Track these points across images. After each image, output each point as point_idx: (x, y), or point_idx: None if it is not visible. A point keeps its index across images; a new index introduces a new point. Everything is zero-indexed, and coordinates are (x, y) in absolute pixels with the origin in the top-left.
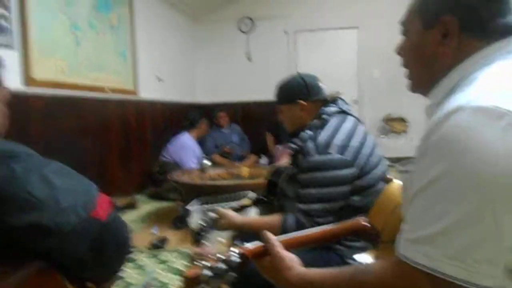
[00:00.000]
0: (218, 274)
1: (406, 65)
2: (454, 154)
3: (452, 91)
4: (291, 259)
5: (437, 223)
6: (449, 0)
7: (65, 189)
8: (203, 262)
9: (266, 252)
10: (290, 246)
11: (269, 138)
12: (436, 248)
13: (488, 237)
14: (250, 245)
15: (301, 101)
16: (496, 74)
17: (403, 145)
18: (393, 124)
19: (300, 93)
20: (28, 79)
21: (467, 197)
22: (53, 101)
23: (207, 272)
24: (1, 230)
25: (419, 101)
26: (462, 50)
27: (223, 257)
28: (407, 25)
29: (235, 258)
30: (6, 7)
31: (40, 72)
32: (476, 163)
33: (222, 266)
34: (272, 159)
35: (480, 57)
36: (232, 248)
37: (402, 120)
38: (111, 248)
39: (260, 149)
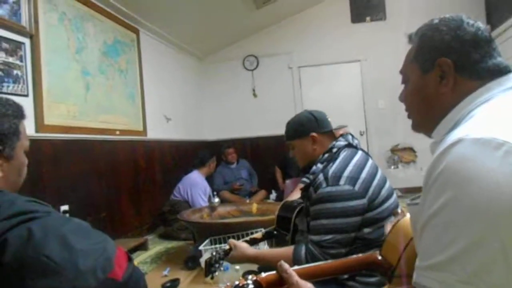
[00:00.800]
0: None
1: (409, 109)
2: (456, 184)
3: (452, 128)
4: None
5: (447, 250)
6: (443, 45)
7: (83, 251)
8: None
9: (281, 281)
10: (303, 277)
11: (278, 173)
12: (449, 273)
13: (497, 261)
14: (264, 274)
15: (313, 134)
16: (493, 109)
17: (413, 175)
18: (402, 154)
19: (311, 126)
20: (40, 125)
21: (472, 224)
22: (63, 145)
23: None
24: None
25: None
26: (459, 90)
27: (239, 284)
28: (406, 73)
29: (250, 285)
30: (20, 57)
31: (52, 117)
32: (478, 191)
33: None
34: (281, 194)
35: (476, 96)
36: (247, 276)
37: (410, 150)
38: None
39: (269, 184)
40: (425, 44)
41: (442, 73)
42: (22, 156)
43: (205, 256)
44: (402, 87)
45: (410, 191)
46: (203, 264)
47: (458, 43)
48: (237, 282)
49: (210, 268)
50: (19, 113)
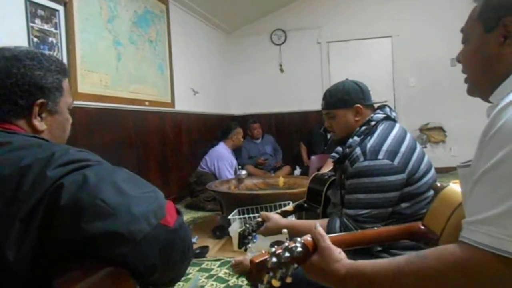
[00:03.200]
0: (283, 262)
1: (466, 71)
2: None
3: None
4: (340, 253)
5: (501, 205)
6: (510, 3)
7: (136, 197)
8: (272, 249)
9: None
10: (343, 243)
11: (303, 149)
12: (499, 228)
13: None
14: (310, 238)
15: (358, 105)
16: None
17: (442, 155)
18: (431, 134)
19: (357, 97)
20: (74, 93)
21: None
22: (96, 113)
23: (274, 259)
24: (76, 238)
25: (456, 110)
26: None
27: (288, 246)
28: (467, 32)
29: (299, 248)
30: (54, 25)
31: (85, 85)
32: None
33: (287, 254)
34: (305, 169)
35: None
36: (296, 238)
37: (440, 129)
38: (178, 254)
39: (293, 159)
40: (491, 2)
41: (507, 32)
42: (65, 112)
43: (234, 225)
44: (435, 65)
45: (438, 172)
46: (231, 233)
47: None
48: (286, 243)
49: (244, 240)
50: (62, 70)
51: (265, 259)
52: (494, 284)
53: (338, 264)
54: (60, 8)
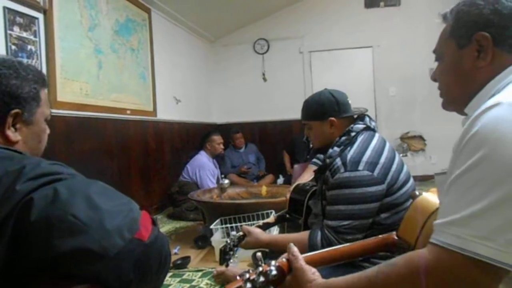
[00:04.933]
0: (258, 287)
1: (443, 87)
2: (490, 143)
3: (488, 98)
4: (313, 273)
5: (471, 206)
6: (481, 19)
7: (109, 211)
8: (245, 275)
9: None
10: (319, 262)
11: (286, 157)
12: (468, 229)
13: None
14: (285, 260)
15: (332, 118)
16: None
17: (422, 164)
18: (411, 142)
19: (332, 110)
20: (53, 101)
21: (503, 181)
22: (76, 122)
23: (248, 285)
24: (47, 255)
25: (436, 119)
26: (497, 64)
27: (263, 270)
28: (440, 50)
29: (273, 271)
30: (34, 32)
31: (65, 94)
32: None
33: (262, 279)
34: (289, 178)
35: None
36: (269, 262)
37: (420, 138)
38: (154, 268)
39: (276, 168)
40: (462, 19)
41: (480, 47)
42: (42, 123)
43: (216, 235)
44: (415, 75)
45: (418, 180)
46: (214, 243)
47: (497, 17)
48: (260, 269)
49: (225, 256)
50: (40, 80)
51: (240, 286)
52: (462, 285)
53: (310, 285)
54: (40, 15)
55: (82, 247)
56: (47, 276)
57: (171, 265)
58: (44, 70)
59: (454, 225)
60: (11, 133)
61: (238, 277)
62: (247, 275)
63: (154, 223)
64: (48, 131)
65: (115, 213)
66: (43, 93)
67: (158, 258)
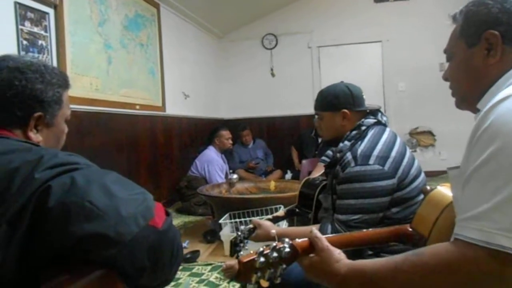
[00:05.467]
0: (271, 262)
1: (454, 86)
2: (505, 135)
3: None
4: (339, 253)
5: (491, 200)
6: (490, 17)
7: (125, 199)
8: (259, 249)
9: (313, 250)
10: (334, 244)
11: (294, 153)
12: (490, 222)
13: None
14: (299, 240)
15: (345, 111)
16: None
17: (431, 159)
18: (421, 138)
19: (346, 102)
20: None
21: None
22: (86, 117)
23: (261, 259)
24: (64, 240)
25: (445, 115)
26: (506, 61)
27: (276, 247)
28: (451, 50)
29: (287, 248)
30: (44, 27)
31: (75, 89)
32: None
33: (275, 254)
34: (297, 173)
35: None
36: (284, 239)
37: (429, 133)
38: (167, 255)
39: (284, 164)
40: (471, 19)
41: (489, 45)
42: (62, 124)
43: (225, 230)
44: (424, 70)
45: (428, 175)
46: (223, 238)
47: (505, 15)
48: (274, 244)
49: (235, 247)
50: (63, 83)
51: (253, 259)
52: (488, 278)
53: (338, 264)
54: (50, 11)
55: (98, 232)
56: (65, 261)
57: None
58: (54, 65)
59: (476, 219)
60: (33, 135)
61: (242, 253)
62: (261, 249)
63: (167, 214)
64: (66, 130)
65: (130, 201)
66: (65, 95)
67: (171, 246)
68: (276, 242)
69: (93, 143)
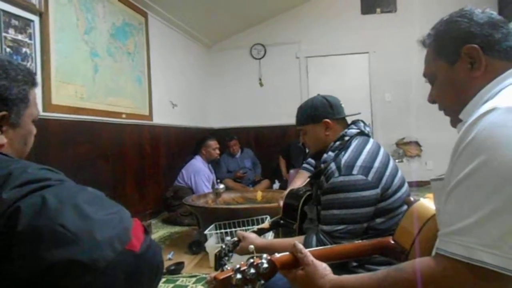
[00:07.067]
0: (248, 278)
1: (444, 105)
2: (488, 149)
3: (482, 105)
4: (325, 268)
5: (474, 214)
6: (463, 33)
7: (100, 220)
8: (236, 266)
9: (294, 262)
10: (317, 258)
11: (282, 163)
12: (472, 238)
13: None
14: (278, 255)
15: (327, 120)
16: None
17: (418, 169)
18: (407, 148)
19: (325, 112)
20: (48, 105)
21: (502, 188)
22: (71, 126)
23: (238, 276)
24: (34, 267)
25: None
26: (491, 71)
27: (254, 263)
28: (431, 72)
29: (265, 264)
30: (29, 35)
31: (60, 97)
32: (510, 157)
33: (252, 270)
34: (285, 183)
35: (506, 76)
36: (262, 255)
37: (416, 143)
38: (146, 279)
39: (272, 173)
40: (444, 38)
41: (471, 59)
42: (29, 124)
43: (210, 240)
44: (410, 81)
45: (414, 185)
46: (208, 249)
47: (477, 27)
48: (252, 260)
49: (220, 261)
50: (30, 80)
51: (230, 276)
52: None
53: (323, 280)
54: (36, 18)
55: (71, 259)
56: None
57: (164, 270)
58: (38, 73)
59: (458, 234)
60: None
61: (228, 267)
62: (238, 266)
63: (146, 231)
64: (34, 131)
65: (106, 223)
66: (32, 93)
67: (150, 268)
68: (254, 258)
69: (77, 152)
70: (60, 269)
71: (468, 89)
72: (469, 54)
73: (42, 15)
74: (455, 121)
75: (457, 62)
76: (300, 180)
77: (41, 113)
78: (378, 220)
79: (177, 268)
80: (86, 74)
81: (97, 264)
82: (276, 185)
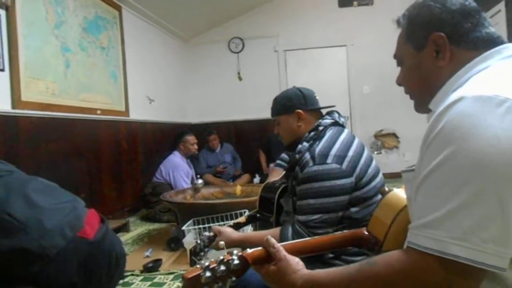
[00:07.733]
0: (218, 276)
1: (409, 90)
2: (457, 139)
3: (451, 93)
4: (297, 263)
5: (443, 207)
6: (433, 19)
7: (49, 209)
8: (205, 263)
9: (267, 257)
10: (290, 253)
11: (262, 156)
12: (442, 231)
13: (494, 217)
14: (250, 250)
15: (299, 111)
16: (492, 73)
17: (396, 161)
18: (385, 140)
19: (298, 103)
20: (17, 101)
21: (471, 179)
22: (42, 123)
23: (207, 274)
24: None
25: (409, 117)
26: (456, 61)
27: (224, 259)
28: (400, 55)
29: (235, 260)
30: None
31: (30, 93)
32: (479, 147)
33: (223, 268)
34: (265, 177)
35: (473, 65)
36: (233, 251)
37: (393, 135)
38: (103, 268)
39: (253, 167)
40: (414, 22)
41: (437, 47)
42: None
43: (188, 236)
44: (388, 73)
45: (392, 177)
46: (186, 245)
47: (448, 15)
48: (222, 257)
49: (195, 256)
50: None
51: (198, 274)
52: None
53: (295, 276)
54: (2, 12)
55: (19, 247)
56: None
57: (141, 268)
58: (6, 69)
59: (428, 227)
60: None
61: (197, 266)
62: (207, 263)
63: (103, 221)
64: None
65: (56, 211)
66: None
67: (107, 258)
68: (225, 254)
69: (49, 149)
70: (9, 258)
71: (434, 78)
72: (436, 42)
73: (9, 9)
74: (418, 106)
75: (424, 49)
76: (273, 177)
77: (10, 110)
78: (353, 209)
79: (155, 266)
80: (57, 70)
81: (47, 251)
82: (257, 179)
